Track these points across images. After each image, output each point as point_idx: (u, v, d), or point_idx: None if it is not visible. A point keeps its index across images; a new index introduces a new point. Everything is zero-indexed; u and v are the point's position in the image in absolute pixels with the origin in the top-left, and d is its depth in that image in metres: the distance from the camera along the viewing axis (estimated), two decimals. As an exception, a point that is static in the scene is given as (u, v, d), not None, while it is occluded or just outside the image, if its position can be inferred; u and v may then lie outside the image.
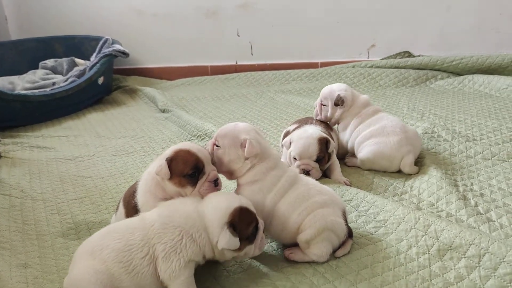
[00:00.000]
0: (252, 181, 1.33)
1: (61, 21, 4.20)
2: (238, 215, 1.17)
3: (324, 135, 1.81)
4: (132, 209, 1.36)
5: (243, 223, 1.17)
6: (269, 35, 3.80)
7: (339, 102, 1.97)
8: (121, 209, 1.44)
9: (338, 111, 1.98)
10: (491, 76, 2.98)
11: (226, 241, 1.14)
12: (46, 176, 2.11)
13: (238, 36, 3.89)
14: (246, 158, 1.32)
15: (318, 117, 2.02)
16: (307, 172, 1.75)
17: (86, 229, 1.62)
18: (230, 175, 1.37)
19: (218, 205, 1.20)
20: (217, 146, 1.35)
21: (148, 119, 2.98)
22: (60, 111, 3.20)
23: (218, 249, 1.17)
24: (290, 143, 1.80)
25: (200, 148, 1.34)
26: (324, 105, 2.00)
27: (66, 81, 3.42)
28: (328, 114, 2.00)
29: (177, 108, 3.05)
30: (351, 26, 3.57)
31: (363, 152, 1.90)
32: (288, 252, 1.33)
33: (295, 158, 1.78)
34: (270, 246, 1.41)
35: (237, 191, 1.37)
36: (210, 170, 1.31)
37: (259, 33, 3.83)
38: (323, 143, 1.77)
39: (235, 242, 1.15)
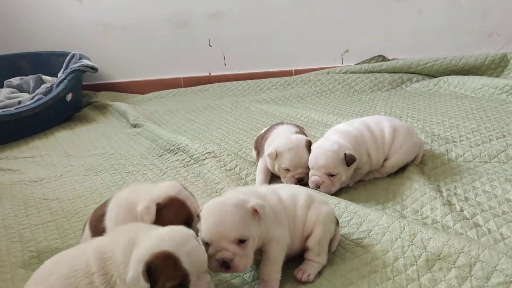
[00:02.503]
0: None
1: (26, 37, 4.04)
2: (162, 260, 0.97)
3: (305, 137, 1.82)
4: (100, 235, 1.26)
5: (161, 272, 0.97)
6: (242, 44, 3.73)
7: (352, 160, 1.64)
8: (87, 233, 1.34)
9: (353, 169, 1.71)
10: (465, 77, 2.97)
11: (132, 277, 0.97)
12: (8, 201, 1.97)
13: (210, 46, 3.81)
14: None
15: (333, 191, 1.66)
16: (301, 179, 1.74)
17: (49, 256, 1.47)
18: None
19: (150, 239, 1.02)
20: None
21: (119, 135, 2.86)
22: (27, 131, 3.05)
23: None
24: (277, 154, 1.75)
25: (193, 200, 1.26)
26: (334, 175, 1.65)
27: (32, 99, 3.28)
28: (346, 179, 1.70)
29: (149, 122, 2.94)
30: (323, 32, 3.52)
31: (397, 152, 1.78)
32: (300, 273, 1.20)
33: (287, 169, 1.75)
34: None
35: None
36: (196, 226, 1.21)
37: (232, 43, 3.75)
38: (309, 146, 1.76)
39: (142, 284, 0.96)
